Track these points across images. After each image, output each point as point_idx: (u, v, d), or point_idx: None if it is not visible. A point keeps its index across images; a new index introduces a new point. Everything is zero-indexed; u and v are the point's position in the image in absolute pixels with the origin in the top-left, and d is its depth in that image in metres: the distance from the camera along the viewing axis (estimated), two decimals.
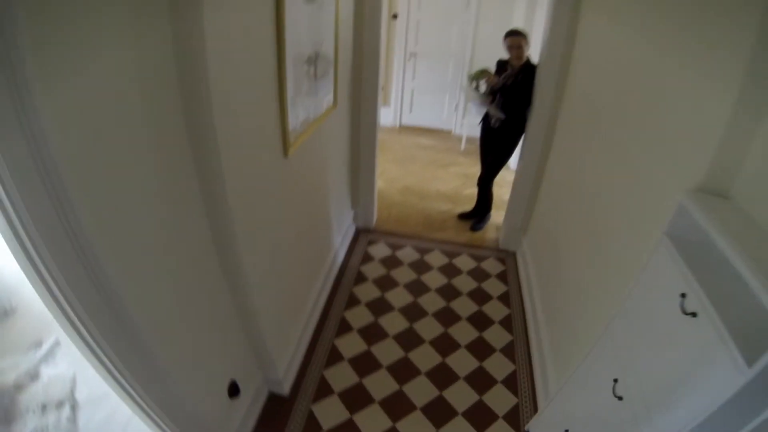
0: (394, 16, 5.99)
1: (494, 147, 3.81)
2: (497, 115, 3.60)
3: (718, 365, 1.03)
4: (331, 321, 2.90)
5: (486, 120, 3.84)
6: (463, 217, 4.27)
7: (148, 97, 1.22)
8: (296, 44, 1.91)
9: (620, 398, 1.48)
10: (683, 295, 1.17)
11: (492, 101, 3.66)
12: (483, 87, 3.68)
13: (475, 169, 4.01)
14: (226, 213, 1.60)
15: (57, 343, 1.12)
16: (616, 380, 1.52)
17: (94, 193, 1.06)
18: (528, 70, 3.38)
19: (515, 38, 3.42)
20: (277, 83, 1.81)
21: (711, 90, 1.36)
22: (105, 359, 1.14)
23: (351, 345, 2.75)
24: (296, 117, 2.05)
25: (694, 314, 1.12)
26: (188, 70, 1.32)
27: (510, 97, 3.51)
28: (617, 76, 2.18)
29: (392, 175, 5.01)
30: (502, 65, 3.70)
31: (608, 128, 2.22)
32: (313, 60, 2.16)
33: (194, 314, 1.64)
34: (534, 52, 3.48)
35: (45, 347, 1.11)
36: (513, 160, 3.78)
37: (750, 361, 0.93)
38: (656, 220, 1.52)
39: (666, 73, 1.68)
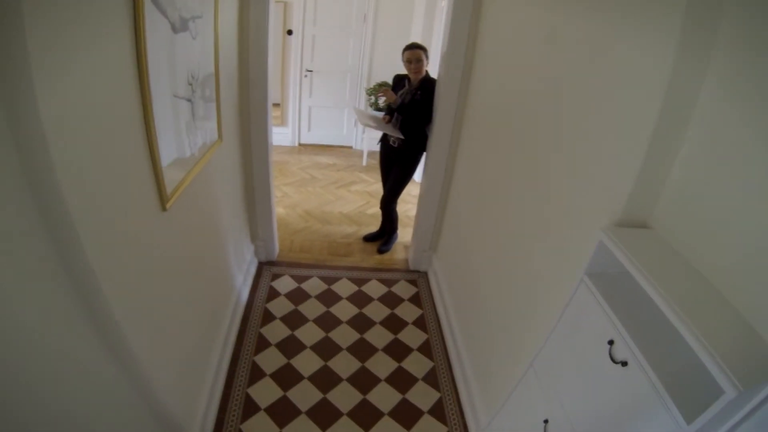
0: (289, 32, 5.78)
1: (395, 167, 3.71)
2: (395, 135, 3.51)
3: (653, 420, 0.98)
4: (241, 369, 2.63)
5: (385, 139, 3.74)
6: (368, 239, 4.14)
7: None
8: (165, 79, 1.60)
9: None
10: (611, 342, 1.11)
11: (389, 120, 3.56)
12: (381, 101, 3.54)
13: (379, 186, 3.89)
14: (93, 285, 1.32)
15: None
16: (546, 421, 1.46)
17: None
18: (427, 85, 3.30)
19: (414, 51, 3.29)
20: (144, 128, 1.49)
21: (634, 106, 1.23)
22: None
23: (266, 392, 2.51)
24: (175, 158, 1.74)
25: (624, 363, 1.06)
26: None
27: (409, 115, 3.41)
28: (528, 81, 2.03)
29: (293, 200, 4.80)
30: (399, 80, 3.60)
31: (521, 145, 2.08)
32: (190, 93, 1.88)
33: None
34: (432, 68, 3.43)
35: None
36: (419, 173, 3.70)
37: (689, 418, 0.88)
38: (578, 255, 1.42)
39: (589, 76, 1.50)
